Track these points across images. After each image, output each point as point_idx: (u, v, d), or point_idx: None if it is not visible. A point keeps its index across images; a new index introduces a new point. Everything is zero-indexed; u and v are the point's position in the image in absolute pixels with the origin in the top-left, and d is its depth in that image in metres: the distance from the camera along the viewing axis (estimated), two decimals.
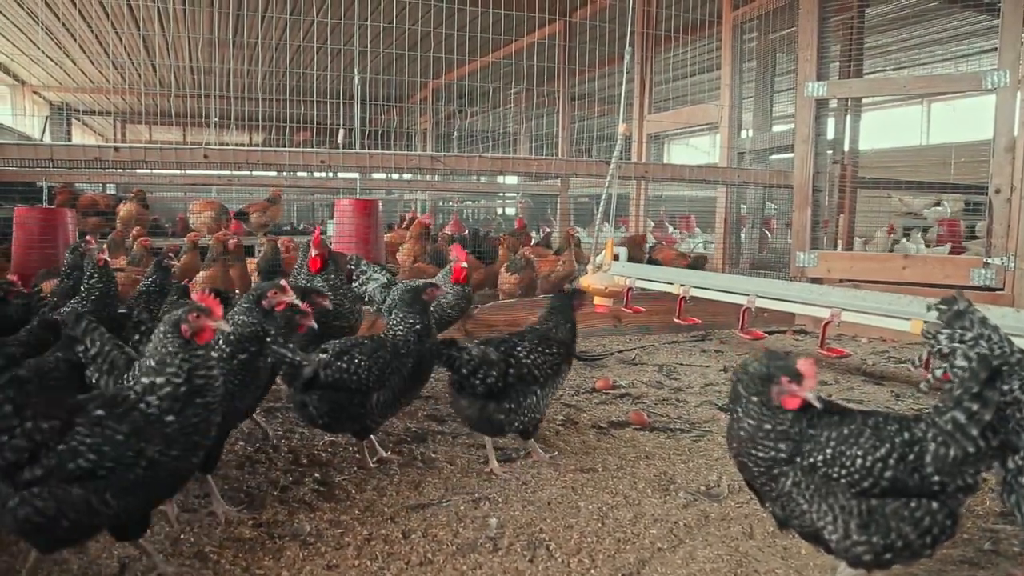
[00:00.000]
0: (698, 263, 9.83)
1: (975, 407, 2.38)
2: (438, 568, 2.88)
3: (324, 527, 3.19)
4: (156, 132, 23.84)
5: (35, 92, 20.01)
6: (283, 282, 3.54)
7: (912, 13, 12.28)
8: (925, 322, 2.92)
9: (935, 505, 2.41)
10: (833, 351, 5.65)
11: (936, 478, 2.39)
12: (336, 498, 3.49)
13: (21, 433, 2.45)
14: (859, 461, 2.42)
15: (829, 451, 2.46)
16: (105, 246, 6.86)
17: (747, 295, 6.21)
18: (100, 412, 2.51)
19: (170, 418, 2.54)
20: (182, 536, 3.08)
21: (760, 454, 2.51)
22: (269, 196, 11.37)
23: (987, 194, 7.61)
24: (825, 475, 2.45)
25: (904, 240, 12.91)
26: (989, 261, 7.41)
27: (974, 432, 2.37)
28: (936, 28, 13.88)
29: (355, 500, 3.47)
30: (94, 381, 3.30)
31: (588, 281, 7.57)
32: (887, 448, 2.43)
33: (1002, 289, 7.28)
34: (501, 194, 20.94)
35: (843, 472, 2.42)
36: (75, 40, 13.55)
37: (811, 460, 2.47)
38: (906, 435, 2.44)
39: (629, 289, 7.18)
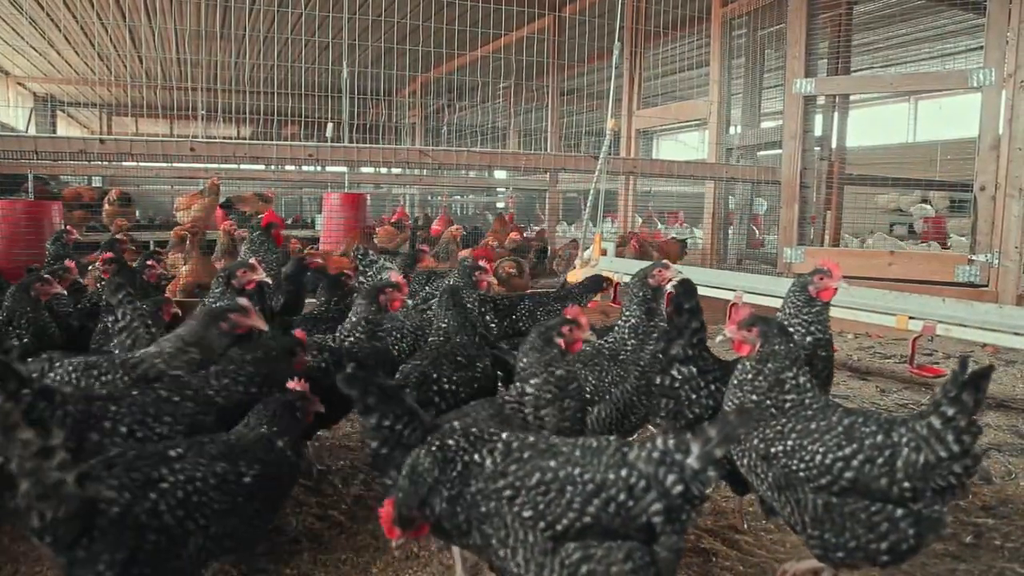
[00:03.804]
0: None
1: (951, 411, 2.30)
2: (424, 562, 2.88)
3: (311, 522, 3.19)
4: (142, 124, 23.61)
5: (19, 83, 19.78)
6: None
7: (899, 11, 12.35)
8: None
9: (899, 512, 2.34)
10: None
11: (907, 484, 2.31)
12: (324, 493, 3.48)
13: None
14: (819, 458, 2.39)
15: (790, 443, 2.45)
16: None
17: (735, 290, 6.24)
18: None
19: None
20: None
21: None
22: (263, 195, 11.31)
23: (972, 191, 7.67)
24: (785, 467, 2.45)
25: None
26: (974, 258, 7.48)
27: (949, 437, 2.29)
28: (923, 26, 13.96)
29: (343, 495, 3.46)
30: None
31: (576, 276, 7.57)
32: (854, 448, 2.37)
33: (986, 285, 7.35)
34: (487, 190, 20.91)
35: (802, 466, 2.41)
36: (60, 30, 13.39)
37: (772, 451, 2.48)
38: (880, 437, 2.38)
39: (617, 284, 7.19)
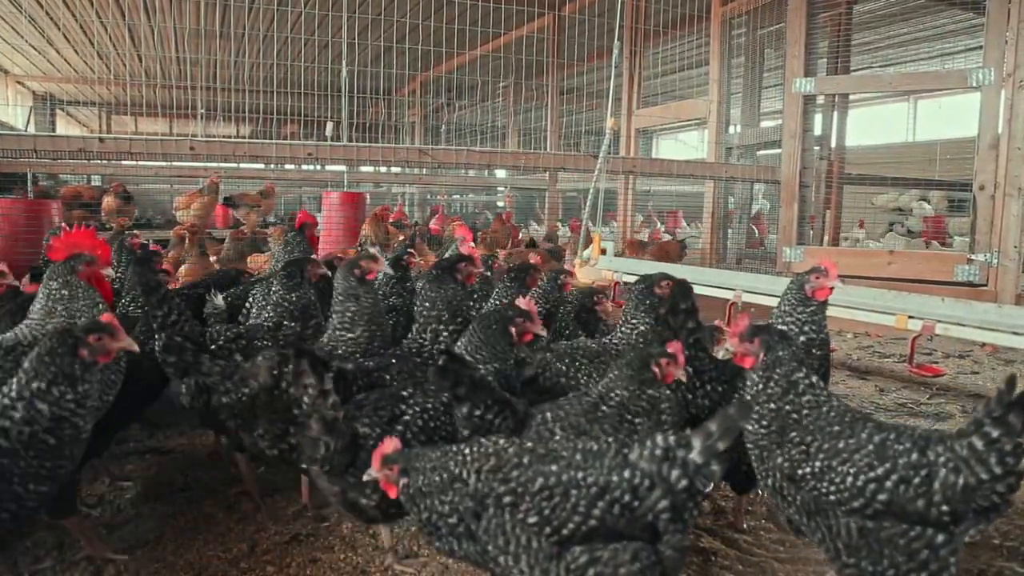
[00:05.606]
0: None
1: (996, 433, 2.13)
2: (423, 562, 2.88)
3: (309, 521, 3.19)
4: (142, 123, 23.60)
5: (18, 82, 19.76)
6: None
7: (899, 10, 12.34)
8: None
9: (940, 537, 2.17)
10: None
11: (945, 507, 2.14)
12: (321, 492, 3.48)
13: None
14: (850, 479, 2.22)
15: (818, 464, 2.29)
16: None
17: (734, 289, 6.24)
18: None
19: None
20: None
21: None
22: (262, 190, 11.31)
23: (971, 191, 7.67)
24: (814, 490, 2.29)
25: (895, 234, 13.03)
26: (973, 257, 7.48)
27: (992, 459, 2.13)
28: (923, 25, 13.95)
29: None
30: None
31: (576, 275, 7.57)
32: (887, 467, 2.20)
33: (985, 285, 7.35)
34: (486, 189, 20.93)
35: (832, 489, 2.25)
36: (59, 29, 13.38)
37: (799, 472, 2.33)
38: (915, 456, 2.20)
39: (616, 283, 7.20)
